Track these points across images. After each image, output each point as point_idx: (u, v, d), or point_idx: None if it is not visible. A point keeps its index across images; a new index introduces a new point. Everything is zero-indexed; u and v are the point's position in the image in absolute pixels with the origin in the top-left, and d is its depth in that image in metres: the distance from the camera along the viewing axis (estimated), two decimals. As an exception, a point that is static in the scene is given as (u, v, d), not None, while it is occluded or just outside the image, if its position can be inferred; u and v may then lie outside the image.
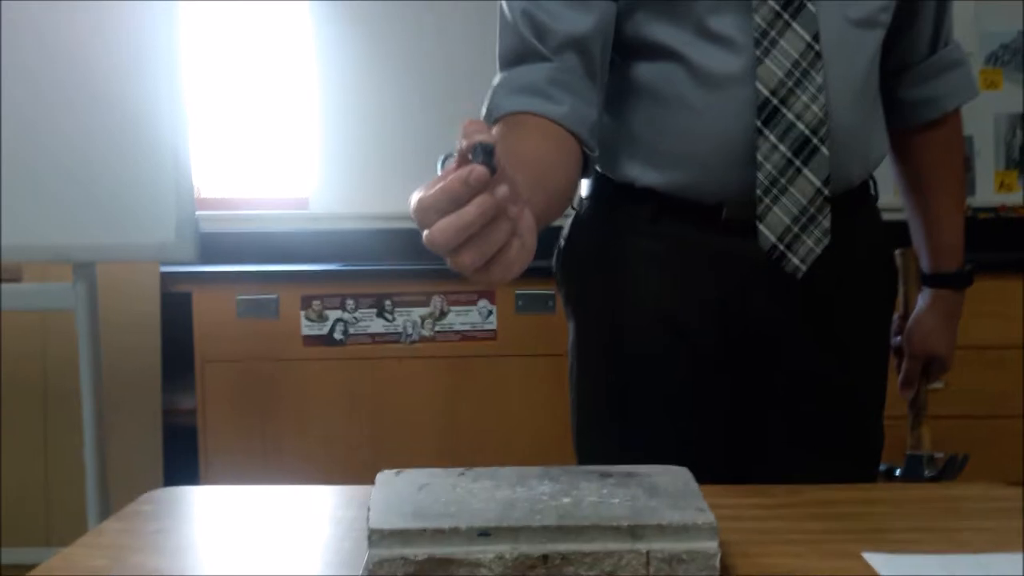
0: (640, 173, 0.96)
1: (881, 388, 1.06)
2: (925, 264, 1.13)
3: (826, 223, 0.92)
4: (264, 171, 2.97)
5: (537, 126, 0.86)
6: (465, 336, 2.38)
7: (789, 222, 0.92)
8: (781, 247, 0.92)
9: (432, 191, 0.55)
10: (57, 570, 0.65)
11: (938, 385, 1.16)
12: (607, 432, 1.01)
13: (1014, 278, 2.32)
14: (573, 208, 1.07)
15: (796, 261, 0.92)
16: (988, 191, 2.87)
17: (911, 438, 1.14)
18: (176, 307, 2.40)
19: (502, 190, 0.55)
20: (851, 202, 0.97)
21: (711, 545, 0.60)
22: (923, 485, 0.84)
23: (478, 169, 0.54)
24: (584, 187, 1.06)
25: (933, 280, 1.12)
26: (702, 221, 0.95)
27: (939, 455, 1.12)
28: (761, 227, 0.92)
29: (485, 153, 0.55)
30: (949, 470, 1.09)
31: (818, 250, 0.93)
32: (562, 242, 1.08)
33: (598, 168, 1.01)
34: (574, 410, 1.06)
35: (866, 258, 1.02)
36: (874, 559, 0.65)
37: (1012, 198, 2.86)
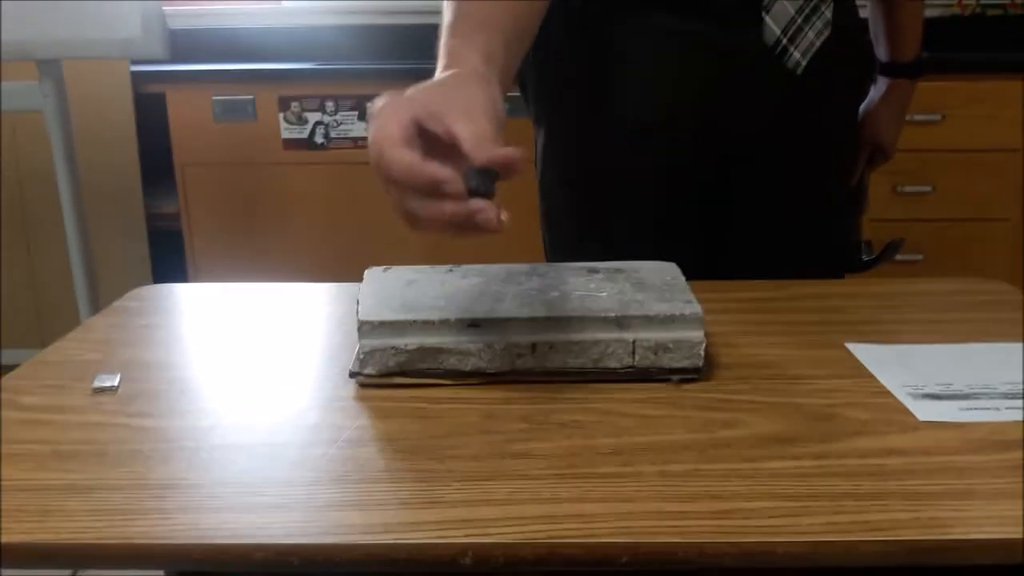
0: None
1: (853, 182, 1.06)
2: (882, 53, 1.11)
3: (828, 14, 0.88)
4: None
5: None
6: (450, 140, 2.33)
7: (794, 12, 0.87)
8: (784, 40, 0.88)
9: (420, 176, 0.54)
10: (49, 363, 0.66)
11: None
12: (581, 242, 0.99)
13: (1017, 79, 2.26)
14: None
15: (797, 55, 0.89)
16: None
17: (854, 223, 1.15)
18: (150, 109, 2.32)
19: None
20: None
21: (696, 334, 0.61)
22: (911, 280, 0.85)
23: (488, 214, 0.53)
24: None
25: (889, 69, 1.11)
26: (696, 12, 0.90)
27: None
28: (767, 19, 0.87)
29: (486, 179, 0.54)
30: (885, 254, 1.12)
31: (818, 43, 0.89)
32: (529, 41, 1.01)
33: None
34: (546, 221, 1.03)
35: (845, 52, 0.97)
36: (857, 349, 0.66)
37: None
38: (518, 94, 1.04)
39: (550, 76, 1.00)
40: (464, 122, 0.57)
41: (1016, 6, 2.72)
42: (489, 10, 0.77)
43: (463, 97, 0.60)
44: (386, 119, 0.57)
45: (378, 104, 0.59)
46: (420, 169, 0.54)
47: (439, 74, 0.67)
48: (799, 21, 0.88)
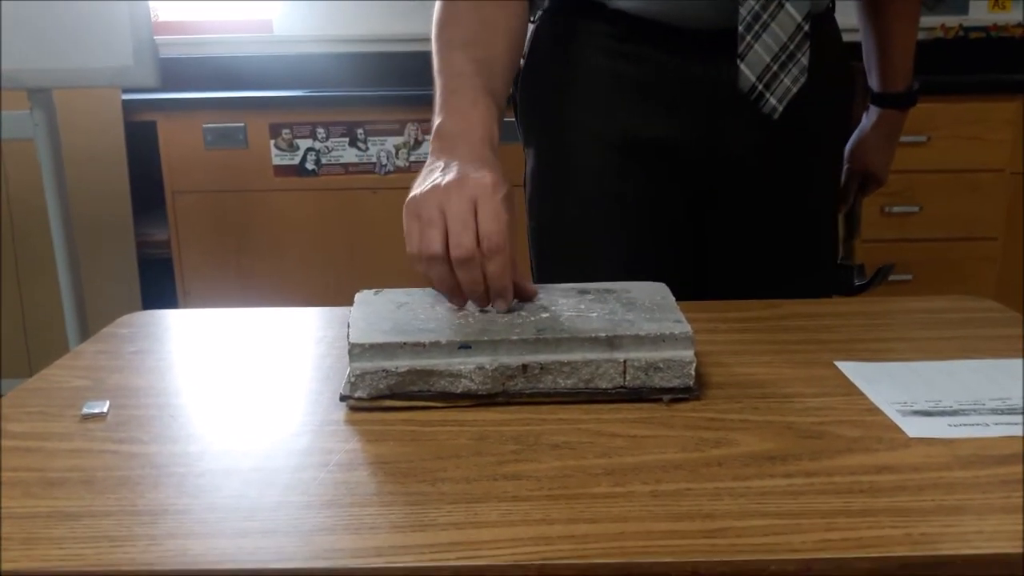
0: None
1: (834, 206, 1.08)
2: (874, 83, 1.12)
3: (804, 60, 0.89)
4: (224, -8, 2.80)
5: None
6: (440, 165, 2.34)
7: (769, 60, 0.88)
8: (760, 87, 0.89)
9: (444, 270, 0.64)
10: (37, 390, 0.66)
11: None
12: (566, 261, 1.00)
13: (1000, 101, 2.29)
14: (532, 21, 1.02)
15: (774, 102, 0.89)
16: (982, 9, 2.78)
17: (843, 249, 1.17)
18: (142, 137, 2.33)
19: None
20: (816, 26, 0.93)
21: (687, 354, 0.61)
22: (900, 299, 0.85)
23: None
24: None
25: (881, 99, 1.12)
26: (675, 46, 0.91)
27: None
28: (742, 66, 0.88)
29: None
30: (876, 278, 1.13)
31: (795, 89, 0.89)
32: (520, 60, 1.03)
33: None
34: (532, 241, 1.03)
35: (828, 80, 0.98)
36: (846, 367, 0.67)
37: (1006, 17, 2.78)
38: (511, 119, 1.05)
39: (538, 101, 1.01)
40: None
41: (997, 29, 2.76)
42: (487, 37, 0.80)
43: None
44: (499, 206, 0.65)
45: (470, 169, 0.67)
46: (506, 285, 0.64)
47: (449, 112, 0.74)
48: (774, 68, 0.88)
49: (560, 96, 0.97)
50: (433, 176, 0.68)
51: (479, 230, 0.63)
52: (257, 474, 0.52)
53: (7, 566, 0.42)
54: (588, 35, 0.95)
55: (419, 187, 0.67)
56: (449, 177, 0.66)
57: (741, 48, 0.87)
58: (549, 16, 0.99)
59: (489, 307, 0.66)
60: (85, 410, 0.60)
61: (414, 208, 0.66)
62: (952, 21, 2.76)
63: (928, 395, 0.61)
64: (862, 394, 0.62)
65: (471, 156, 0.69)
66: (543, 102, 1.00)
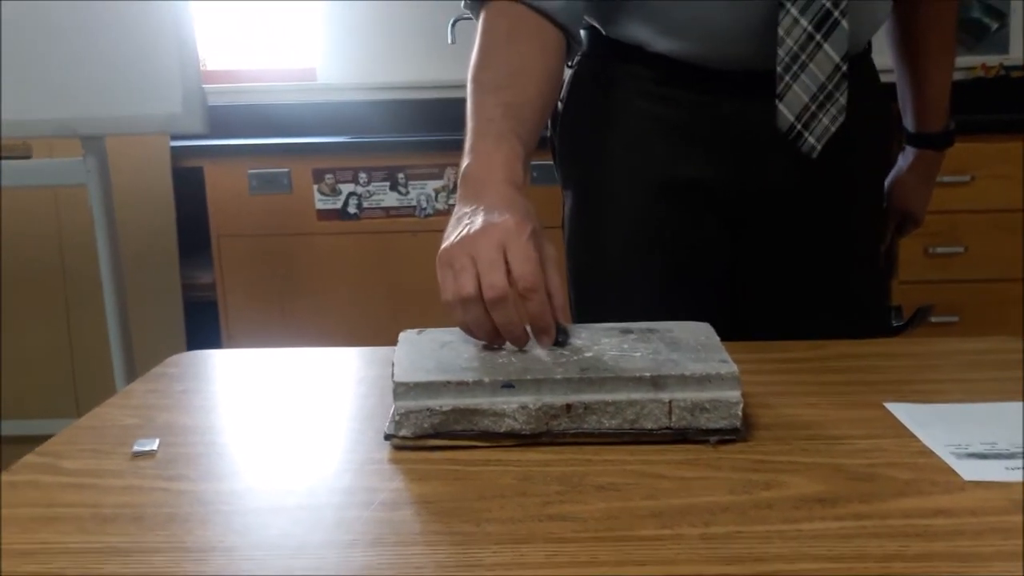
0: (651, 38, 0.92)
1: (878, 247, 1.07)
2: (909, 123, 1.12)
3: (842, 100, 0.89)
4: (269, 41, 2.88)
5: (530, 32, 0.85)
6: (479, 208, 2.36)
7: (807, 100, 0.88)
8: (799, 126, 0.89)
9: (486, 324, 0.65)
10: (89, 428, 0.67)
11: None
12: (606, 304, 1.00)
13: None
14: (569, 66, 1.03)
15: (812, 140, 0.89)
16: (1021, 48, 2.76)
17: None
18: (189, 182, 2.39)
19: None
20: (854, 67, 0.93)
21: (734, 394, 0.60)
22: (945, 340, 0.84)
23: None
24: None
25: (916, 140, 1.11)
26: (713, 87, 0.92)
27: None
28: (780, 107, 0.88)
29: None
30: (915, 319, 1.11)
31: (833, 128, 0.89)
32: (559, 104, 1.04)
33: (597, 26, 0.96)
34: (571, 282, 1.04)
35: (866, 120, 0.98)
36: (895, 408, 0.65)
37: (1045, 56, 2.75)
38: (548, 161, 1.06)
39: (576, 143, 1.02)
40: (558, 277, 0.67)
41: (1040, 68, 2.74)
42: (519, 81, 0.81)
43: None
44: (527, 245, 0.65)
45: (495, 215, 0.68)
46: (548, 322, 0.65)
47: (475, 155, 0.75)
48: (813, 108, 0.88)
49: (599, 138, 0.98)
50: (460, 225, 0.69)
51: (512, 273, 0.64)
52: (302, 512, 0.52)
53: (61, 600, 0.43)
54: (627, 78, 0.96)
55: (448, 239, 0.68)
56: (475, 225, 0.67)
57: (780, 88, 0.88)
58: (588, 60, 1.01)
59: (527, 347, 0.66)
60: (136, 448, 0.61)
61: (446, 259, 0.67)
62: (993, 60, 2.74)
63: (983, 438, 0.59)
64: (913, 436, 0.61)
65: (495, 199, 0.70)
66: (582, 144, 1.01)
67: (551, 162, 1.07)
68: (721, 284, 0.99)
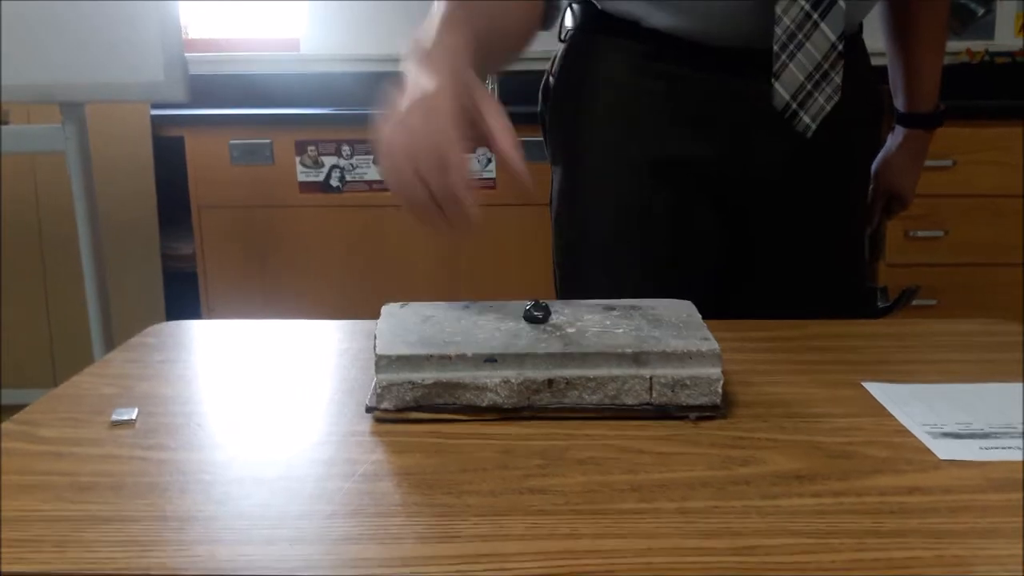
0: (647, 13, 0.91)
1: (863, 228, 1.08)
2: (900, 103, 1.12)
3: (838, 79, 0.89)
4: (253, 11, 2.84)
5: None
6: (463, 184, 2.34)
7: (803, 79, 0.88)
8: (794, 105, 0.89)
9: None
10: (66, 397, 0.66)
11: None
12: (593, 278, 1.00)
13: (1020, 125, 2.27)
14: (561, 40, 1.02)
15: (807, 120, 0.89)
16: (1008, 34, 2.77)
17: (867, 271, 1.16)
18: (169, 152, 2.36)
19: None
20: (847, 45, 0.93)
21: (714, 371, 0.60)
22: (926, 321, 0.84)
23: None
24: (571, 17, 1.01)
25: (907, 119, 1.12)
26: (707, 63, 0.91)
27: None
28: (776, 85, 0.88)
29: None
30: (900, 301, 1.12)
31: (828, 107, 0.90)
32: (550, 78, 1.03)
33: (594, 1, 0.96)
34: (558, 259, 1.03)
35: (859, 100, 0.98)
36: (873, 388, 0.66)
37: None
38: (538, 138, 1.06)
39: (566, 119, 1.01)
40: (497, 118, 0.67)
41: (1023, 54, 2.75)
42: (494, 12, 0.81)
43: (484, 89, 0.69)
44: (441, 112, 0.65)
45: (422, 83, 0.68)
46: (466, 193, 0.64)
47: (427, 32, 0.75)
48: (808, 87, 0.88)
49: (590, 114, 0.98)
50: (397, 103, 0.69)
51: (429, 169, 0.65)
52: (283, 483, 0.52)
53: (40, 567, 0.43)
54: (619, 53, 0.95)
55: (387, 118, 0.68)
56: (405, 113, 0.67)
57: (776, 67, 0.87)
58: (580, 34, 1.00)
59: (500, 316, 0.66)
60: (114, 417, 0.61)
61: (384, 149, 0.67)
62: (978, 46, 2.75)
63: (958, 417, 0.60)
64: (890, 415, 0.61)
65: (428, 66, 0.70)
66: (572, 120, 1.00)
67: (541, 138, 1.07)
68: (710, 262, 0.99)
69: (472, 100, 0.67)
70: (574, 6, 1.00)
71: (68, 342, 2.41)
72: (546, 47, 1.02)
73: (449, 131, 0.65)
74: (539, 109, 1.06)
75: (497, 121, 0.67)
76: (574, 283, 1.02)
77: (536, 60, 1.00)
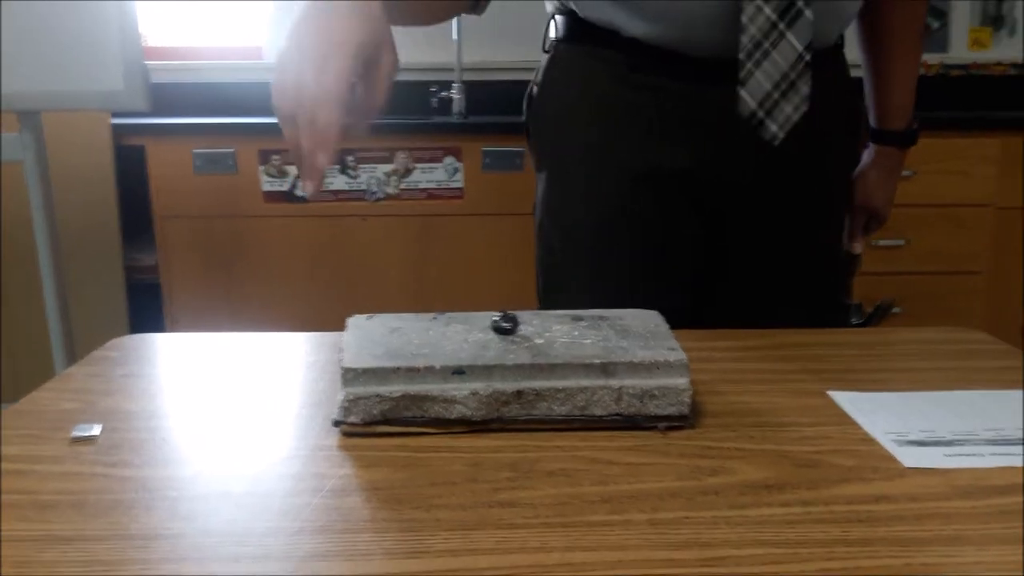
0: (624, 22, 0.92)
1: (840, 240, 1.08)
2: (873, 120, 1.13)
3: (805, 89, 0.90)
4: (214, 19, 2.82)
5: None
6: (431, 194, 2.34)
7: (770, 88, 0.89)
8: (760, 114, 0.90)
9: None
10: (26, 412, 0.65)
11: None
12: (574, 289, 1.00)
13: (982, 137, 2.32)
14: (545, 51, 1.03)
15: (774, 128, 0.90)
16: (962, 48, 2.84)
17: (843, 286, 1.16)
18: (131, 162, 2.33)
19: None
20: (824, 60, 0.94)
21: (682, 381, 0.61)
22: (892, 329, 0.86)
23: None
24: (555, 29, 1.02)
25: (880, 137, 1.12)
26: (683, 73, 0.92)
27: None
28: (742, 93, 0.89)
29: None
30: (874, 317, 1.13)
31: (796, 117, 0.90)
32: (534, 88, 1.04)
33: (573, 7, 0.96)
34: (541, 266, 1.04)
35: (835, 113, 1.00)
36: (840, 397, 0.67)
37: (985, 56, 2.83)
38: (518, 148, 1.06)
39: (550, 127, 1.02)
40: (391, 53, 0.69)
41: (977, 67, 2.82)
42: None
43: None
44: (331, 61, 0.67)
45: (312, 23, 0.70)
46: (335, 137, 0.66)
47: None
48: (776, 96, 0.89)
49: (573, 123, 0.99)
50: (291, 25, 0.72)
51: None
52: (250, 499, 0.51)
53: (-4, 590, 0.41)
54: (601, 63, 0.96)
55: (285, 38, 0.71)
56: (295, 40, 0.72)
57: (742, 74, 0.88)
58: (563, 44, 1.01)
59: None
60: (75, 433, 0.60)
61: (278, 75, 0.71)
62: (933, 59, 2.81)
63: (923, 425, 0.61)
64: (856, 424, 0.62)
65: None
66: (556, 128, 1.01)
67: (521, 149, 1.07)
68: (691, 268, 0.99)
69: (373, 36, 0.68)
70: (557, 18, 1.01)
71: (28, 356, 2.36)
72: (530, 58, 1.02)
73: (334, 83, 0.67)
74: (523, 118, 1.06)
75: (390, 55, 0.69)
76: (557, 290, 1.02)
77: (520, 70, 1.00)
